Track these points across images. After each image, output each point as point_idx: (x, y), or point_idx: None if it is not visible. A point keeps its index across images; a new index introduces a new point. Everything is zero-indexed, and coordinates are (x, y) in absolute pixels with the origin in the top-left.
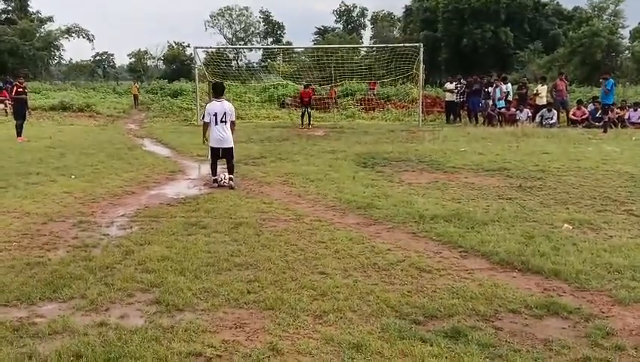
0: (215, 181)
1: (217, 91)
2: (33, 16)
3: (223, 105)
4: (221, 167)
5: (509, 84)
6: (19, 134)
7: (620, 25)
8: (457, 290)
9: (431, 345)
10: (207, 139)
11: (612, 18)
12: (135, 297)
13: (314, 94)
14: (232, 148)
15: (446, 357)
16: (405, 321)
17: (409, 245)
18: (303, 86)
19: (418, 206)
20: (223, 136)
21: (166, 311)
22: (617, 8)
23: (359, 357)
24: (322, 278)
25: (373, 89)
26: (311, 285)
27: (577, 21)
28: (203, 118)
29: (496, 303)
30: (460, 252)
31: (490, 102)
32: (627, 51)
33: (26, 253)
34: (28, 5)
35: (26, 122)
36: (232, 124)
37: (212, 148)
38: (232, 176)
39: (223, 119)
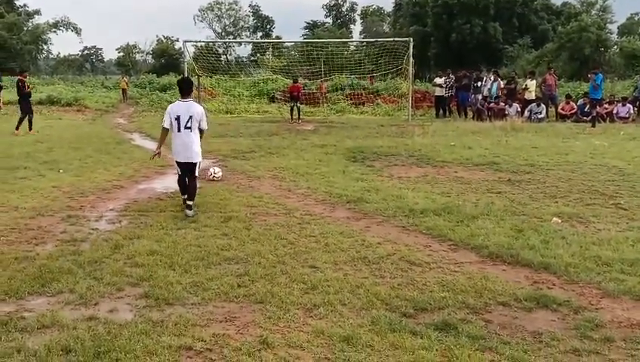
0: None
1: (183, 89)
2: (20, 9)
3: (189, 107)
4: (211, 160)
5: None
6: (17, 127)
7: (609, 20)
8: (447, 283)
9: (421, 338)
10: (159, 154)
11: (600, 13)
12: (124, 291)
13: (303, 89)
14: (196, 163)
15: (436, 350)
16: (395, 314)
17: (399, 239)
18: (292, 81)
19: (408, 200)
20: (187, 146)
21: (156, 305)
22: (605, 4)
23: (350, 349)
24: (312, 272)
25: (372, 83)
26: (301, 279)
27: (566, 16)
28: (163, 123)
29: (485, 296)
30: (450, 245)
31: (480, 96)
32: (615, 46)
33: (14, 247)
34: None
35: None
36: (202, 132)
37: (177, 163)
38: (190, 202)
39: (189, 125)
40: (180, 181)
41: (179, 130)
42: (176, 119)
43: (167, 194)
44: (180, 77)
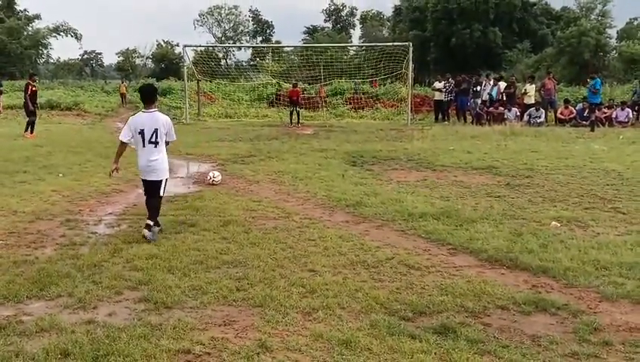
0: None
1: (146, 98)
2: (20, 14)
3: (154, 119)
4: (210, 164)
5: (501, 83)
6: (32, 130)
7: (608, 25)
8: (446, 287)
9: (420, 341)
10: (117, 169)
11: (600, 18)
12: (123, 295)
13: (302, 93)
14: (161, 181)
15: (435, 353)
16: (394, 318)
17: (398, 243)
18: (291, 86)
19: (407, 204)
20: (152, 163)
21: (154, 309)
22: (605, 8)
23: (348, 353)
24: (311, 276)
25: (375, 87)
26: (300, 282)
27: (565, 21)
28: (120, 136)
29: (484, 300)
30: (449, 249)
31: (479, 100)
32: (614, 51)
33: (13, 251)
34: (15, 3)
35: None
36: (168, 145)
37: (143, 181)
38: (150, 221)
39: (154, 139)
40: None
41: (143, 146)
42: (139, 133)
43: (166, 198)
44: (143, 84)
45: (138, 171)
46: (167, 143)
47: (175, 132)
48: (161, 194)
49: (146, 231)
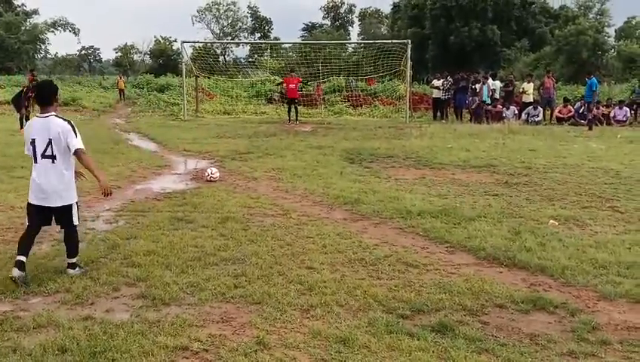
0: (21, 278)
1: (40, 98)
2: (18, 9)
3: (48, 126)
4: (208, 161)
5: (497, 81)
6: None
7: (606, 24)
8: (444, 285)
9: (418, 339)
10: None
11: (598, 17)
12: (121, 291)
13: (301, 88)
14: (69, 206)
15: (433, 351)
16: (392, 316)
17: (396, 240)
18: (291, 74)
19: (405, 202)
20: (49, 184)
21: (152, 305)
22: (603, 7)
23: (346, 351)
24: (309, 273)
25: (371, 85)
26: (298, 280)
27: (564, 19)
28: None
29: (482, 298)
30: (447, 247)
31: (477, 98)
32: (613, 50)
33: (10, 246)
34: None
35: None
36: (78, 156)
37: (30, 206)
38: (71, 259)
39: (49, 152)
40: (26, 235)
41: (35, 161)
42: (31, 143)
43: (164, 194)
44: (41, 80)
45: (30, 195)
46: (80, 158)
47: (83, 139)
48: (76, 222)
49: (70, 271)
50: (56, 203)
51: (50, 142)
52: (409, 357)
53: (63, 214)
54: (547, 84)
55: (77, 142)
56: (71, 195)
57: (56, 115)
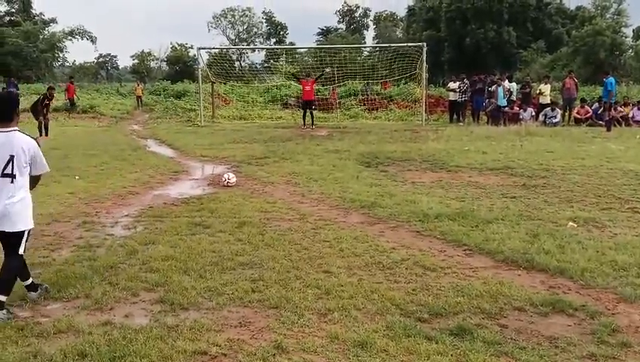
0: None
1: (2, 112)
2: (36, 18)
3: (11, 141)
4: (225, 166)
5: (514, 83)
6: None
7: (623, 24)
8: (462, 288)
9: (436, 343)
10: None
11: (615, 17)
12: (140, 296)
13: (317, 92)
14: (20, 233)
15: (451, 355)
16: (410, 319)
17: (413, 244)
18: (305, 77)
19: (422, 205)
20: (7, 206)
21: (171, 310)
22: (620, 7)
23: (364, 354)
24: (327, 277)
25: (386, 88)
26: (315, 284)
27: (580, 20)
28: None
29: (501, 301)
30: (465, 250)
31: (493, 101)
32: (630, 50)
33: (30, 253)
34: (31, 7)
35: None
36: (34, 180)
37: None
38: (2, 297)
39: (9, 170)
40: None
41: None
42: None
43: (181, 200)
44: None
45: None
46: (34, 178)
47: (47, 161)
48: (21, 251)
49: (2, 314)
50: (5, 226)
51: (10, 160)
52: (427, 361)
53: (10, 240)
54: (568, 84)
55: (45, 166)
56: (25, 221)
57: (19, 131)
